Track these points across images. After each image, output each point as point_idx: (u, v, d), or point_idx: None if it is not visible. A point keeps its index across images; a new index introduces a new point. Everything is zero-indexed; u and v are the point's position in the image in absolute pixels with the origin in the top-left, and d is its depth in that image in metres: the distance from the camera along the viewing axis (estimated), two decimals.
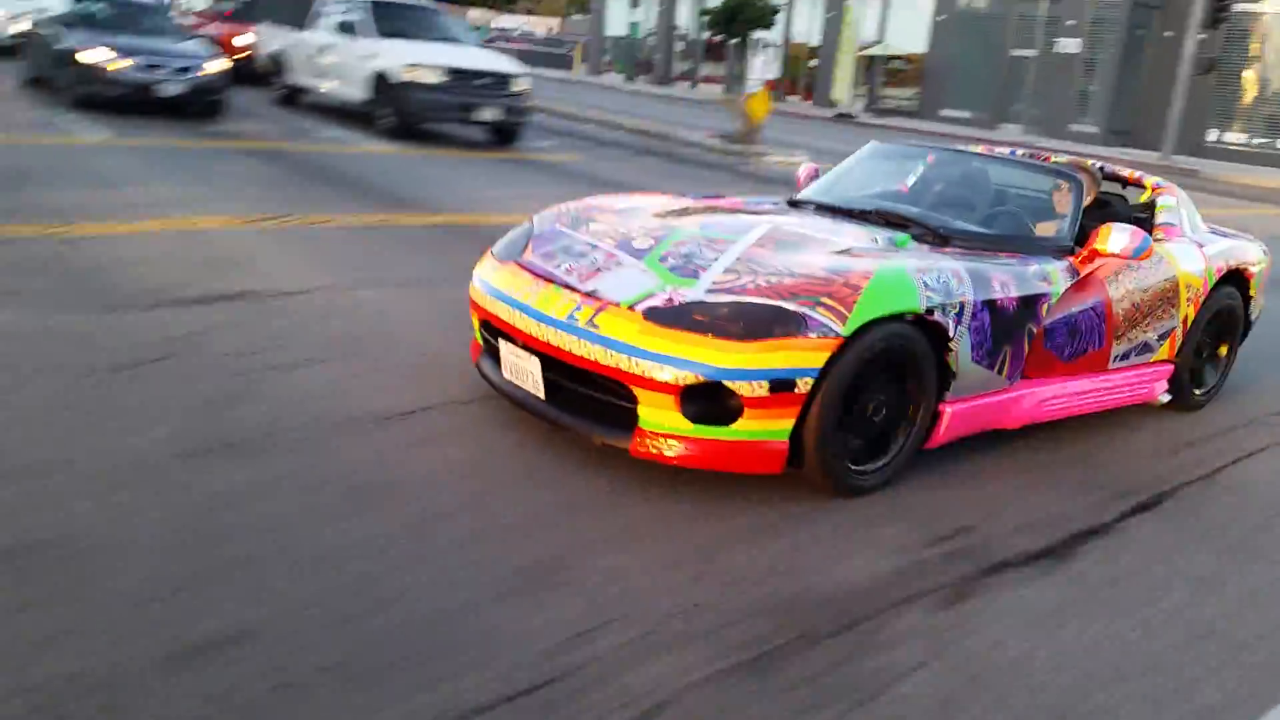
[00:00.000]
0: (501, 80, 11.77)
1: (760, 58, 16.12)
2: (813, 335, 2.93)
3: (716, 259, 3.35)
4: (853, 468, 3.21)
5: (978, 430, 3.66)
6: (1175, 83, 20.13)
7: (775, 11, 29.13)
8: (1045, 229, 4.07)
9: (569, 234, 3.73)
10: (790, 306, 2.98)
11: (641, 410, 3.04)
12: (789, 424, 3.00)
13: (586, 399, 3.20)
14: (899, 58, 30.37)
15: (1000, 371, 3.55)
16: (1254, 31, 23.72)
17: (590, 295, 3.23)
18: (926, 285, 3.20)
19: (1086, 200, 4.34)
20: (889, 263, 3.26)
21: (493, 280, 3.57)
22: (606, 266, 3.40)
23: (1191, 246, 4.39)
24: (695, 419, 2.98)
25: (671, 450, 3.03)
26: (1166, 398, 4.41)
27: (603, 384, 3.11)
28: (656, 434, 3.04)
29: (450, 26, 13.44)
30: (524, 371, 3.36)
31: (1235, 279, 4.60)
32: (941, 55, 28.72)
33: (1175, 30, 23.28)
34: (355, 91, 11.87)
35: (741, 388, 2.90)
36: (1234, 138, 24.30)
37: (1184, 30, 20.63)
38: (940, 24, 28.77)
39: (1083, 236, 4.02)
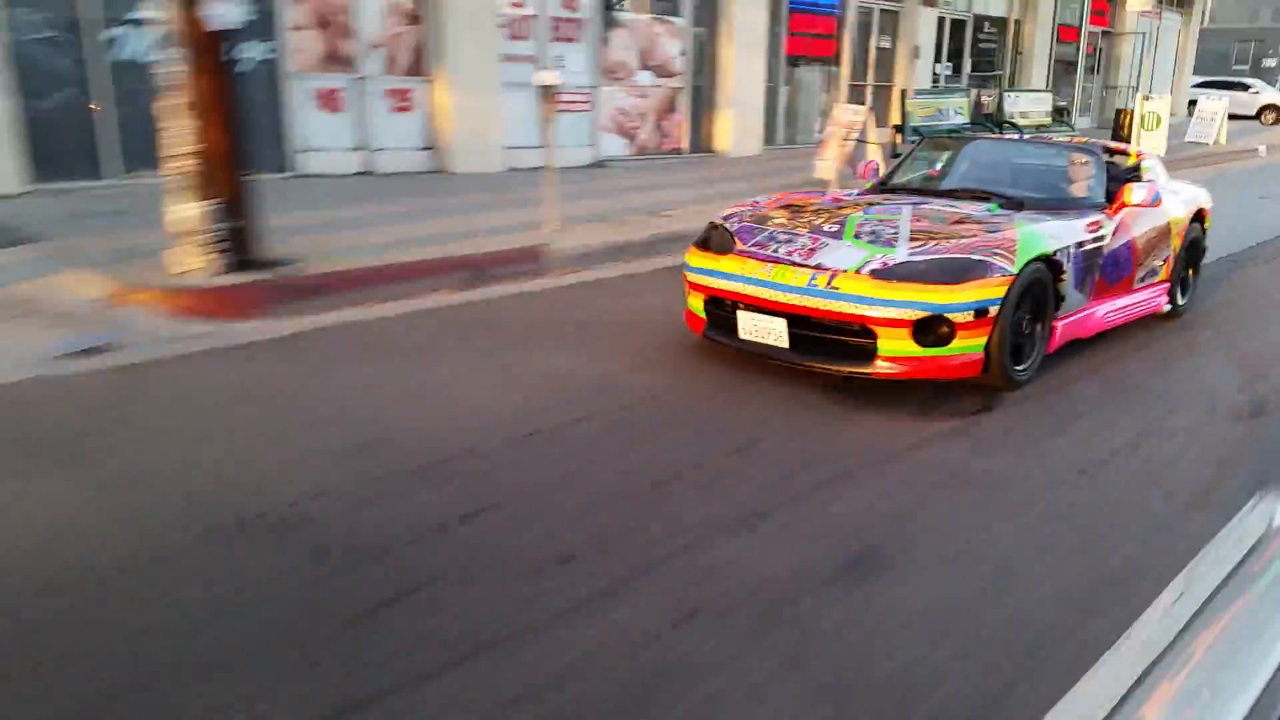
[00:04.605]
0: None
1: None
2: (996, 275, 4.23)
3: (897, 232, 4.61)
4: (1015, 369, 4.53)
5: (1068, 340, 5.04)
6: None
7: None
8: (1084, 190, 5.51)
9: (764, 229, 4.91)
10: (977, 257, 4.27)
11: (880, 343, 4.26)
12: (984, 340, 4.30)
13: (826, 342, 4.40)
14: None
15: (1086, 295, 4.96)
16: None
17: (818, 268, 4.43)
18: (1049, 236, 4.55)
19: None
20: (1023, 225, 4.58)
21: (721, 268, 4.70)
22: (817, 247, 4.60)
23: (1172, 195, 5.94)
24: (923, 344, 4.24)
25: (904, 368, 4.28)
26: (1168, 308, 5.95)
27: (845, 329, 4.32)
28: (892, 358, 4.28)
29: None
30: (765, 330, 4.53)
31: (1198, 217, 6.20)
32: None
33: None
34: None
35: (956, 317, 4.17)
36: None
37: None
38: None
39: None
